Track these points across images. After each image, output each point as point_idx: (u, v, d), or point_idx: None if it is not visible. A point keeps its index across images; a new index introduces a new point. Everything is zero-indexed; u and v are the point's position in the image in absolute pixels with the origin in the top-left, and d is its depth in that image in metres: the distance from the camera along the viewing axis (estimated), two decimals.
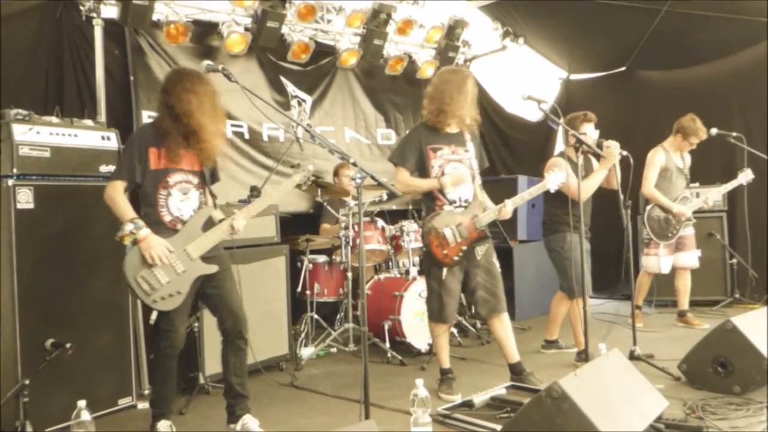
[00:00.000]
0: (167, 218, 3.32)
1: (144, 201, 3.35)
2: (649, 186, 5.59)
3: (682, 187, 5.65)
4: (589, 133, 4.68)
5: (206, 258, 3.36)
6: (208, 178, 3.53)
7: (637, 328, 4.51)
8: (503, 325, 4.12)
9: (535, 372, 4.15)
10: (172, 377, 3.43)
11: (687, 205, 5.56)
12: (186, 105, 3.27)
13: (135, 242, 3.17)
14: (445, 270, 4.00)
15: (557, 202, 4.60)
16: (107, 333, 3.85)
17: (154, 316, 3.43)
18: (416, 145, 4.05)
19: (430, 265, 4.09)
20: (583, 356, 4.40)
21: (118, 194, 3.24)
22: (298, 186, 3.75)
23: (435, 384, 4.11)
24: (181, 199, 3.36)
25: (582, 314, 4.19)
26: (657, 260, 5.62)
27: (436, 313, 4.09)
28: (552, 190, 4.10)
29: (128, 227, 3.16)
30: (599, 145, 4.44)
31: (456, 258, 3.99)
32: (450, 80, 4.03)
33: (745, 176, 5.55)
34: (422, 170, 4.07)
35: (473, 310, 6.63)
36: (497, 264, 4.17)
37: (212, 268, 3.37)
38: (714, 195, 5.62)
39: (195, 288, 3.36)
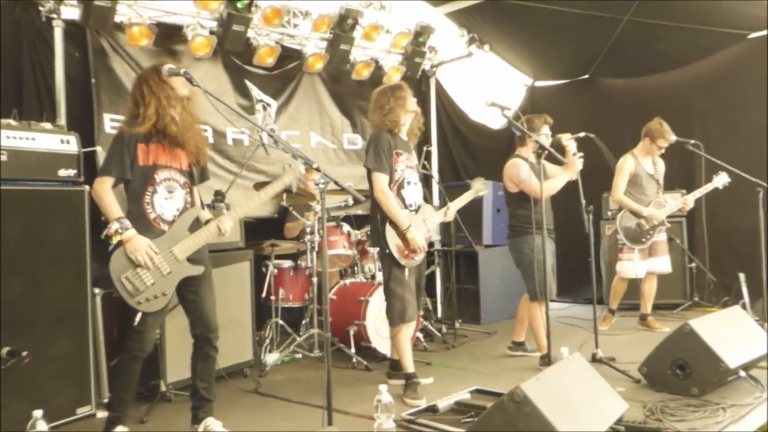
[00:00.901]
0: (152, 216, 3.30)
1: (130, 197, 3.31)
2: (617, 193, 5.67)
3: (654, 192, 5.70)
4: (546, 134, 4.83)
5: (191, 260, 3.35)
6: (196, 177, 3.52)
7: (603, 332, 4.58)
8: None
9: (501, 375, 4.21)
10: (134, 381, 3.39)
11: (660, 210, 5.62)
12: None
13: (120, 242, 3.15)
14: (407, 270, 4.13)
15: (521, 204, 4.67)
16: (66, 340, 3.76)
17: (138, 317, 3.36)
18: (388, 150, 4.13)
19: (391, 267, 4.15)
20: (546, 360, 4.48)
21: (105, 191, 3.21)
22: (289, 190, 3.71)
23: (400, 389, 4.12)
24: (165, 197, 3.34)
25: (544, 318, 4.24)
26: (632, 265, 5.66)
27: (400, 314, 4.14)
28: (482, 195, 4.48)
29: (114, 226, 3.13)
30: (557, 144, 4.56)
31: (417, 259, 4.17)
32: (385, 93, 4.28)
33: (721, 180, 5.58)
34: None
35: (439, 315, 6.71)
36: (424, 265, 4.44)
37: (198, 269, 3.37)
38: (691, 198, 5.64)
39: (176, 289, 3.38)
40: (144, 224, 3.25)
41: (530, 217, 4.49)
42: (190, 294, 3.43)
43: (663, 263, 5.76)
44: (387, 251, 4.12)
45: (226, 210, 3.58)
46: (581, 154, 4.58)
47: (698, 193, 5.64)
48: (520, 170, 4.67)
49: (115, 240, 3.14)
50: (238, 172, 5.73)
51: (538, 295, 4.60)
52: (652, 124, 5.68)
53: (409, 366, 4.18)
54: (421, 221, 4.19)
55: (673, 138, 5.57)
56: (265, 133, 5.73)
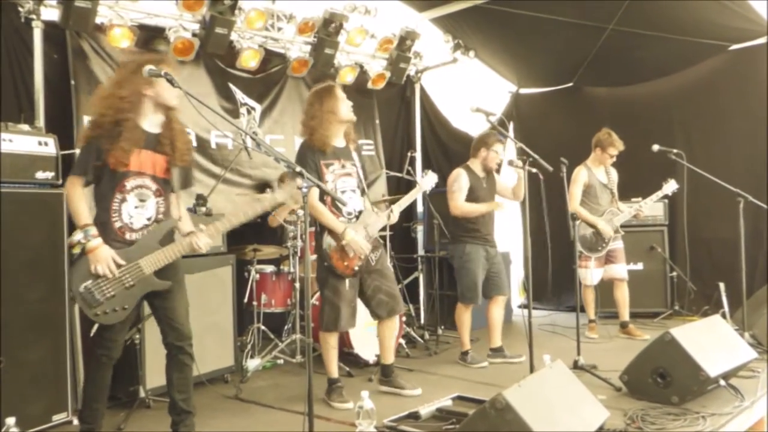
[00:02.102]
0: (117, 224, 3.16)
1: (97, 200, 3.20)
2: (573, 203, 5.77)
3: (608, 202, 5.85)
4: (499, 152, 5.14)
5: (160, 273, 3.21)
6: (178, 183, 3.36)
7: (584, 339, 4.60)
8: (392, 329, 4.38)
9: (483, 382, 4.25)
10: (105, 389, 3.31)
11: (614, 218, 5.76)
12: (164, 89, 3.16)
13: (83, 252, 3.05)
14: (347, 281, 4.10)
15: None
16: (42, 346, 3.69)
17: (95, 328, 3.28)
18: (313, 162, 4.04)
19: (327, 276, 4.13)
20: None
21: (75, 193, 3.11)
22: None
23: (383, 397, 4.16)
24: (135, 205, 3.19)
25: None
26: (586, 272, 5.82)
27: (330, 322, 4.13)
28: (427, 191, 4.53)
29: (78, 236, 3.06)
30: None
31: (356, 268, 4.11)
32: (313, 100, 4.14)
33: (670, 186, 5.76)
34: None
35: (422, 321, 6.70)
36: (390, 267, 4.43)
37: (164, 285, 3.23)
38: (645, 206, 5.79)
39: (142, 301, 3.27)
40: (108, 232, 3.12)
41: (465, 226, 5.05)
42: (160, 301, 3.30)
43: (619, 270, 5.87)
44: (325, 263, 4.11)
45: (206, 216, 3.50)
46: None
47: (650, 200, 5.80)
48: (455, 181, 5.09)
49: (77, 250, 3.08)
50: (221, 175, 5.68)
51: (465, 298, 5.10)
52: (600, 134, 5.85)
53: (334, 372, 4.25)
54: (362, 227, 4.13)
55: (620, 146, 5.74)
56: (249, 136, 5.68)
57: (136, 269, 3.14)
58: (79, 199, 3.11)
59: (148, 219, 3.24)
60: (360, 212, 4.18)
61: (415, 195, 4.60)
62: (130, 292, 3.13)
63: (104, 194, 3.16)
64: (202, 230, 3.29)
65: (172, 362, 3.35)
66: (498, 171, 5.05)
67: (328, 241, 4.08)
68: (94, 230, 3.07)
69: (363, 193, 4.23)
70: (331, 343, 4.20)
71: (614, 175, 5.93)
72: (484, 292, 5.17)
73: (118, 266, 3.09)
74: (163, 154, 3.26)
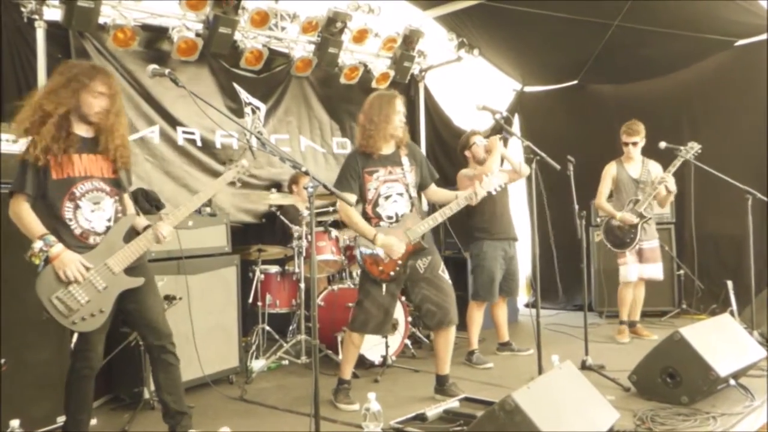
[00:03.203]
0: (77, 231, 3.04)
1: (49, 214, 3.03)
2: (597, 198, 5.74)
3: (632, 194, 5.67)
4: (479, 143, 5.23)
5: (129, 269, 3.11)
6: (124, 183, 3.23)
7: (592, 339, 4.55)
8: (446, 340, 4.24)
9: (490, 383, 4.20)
10: (89, 400, 3.21)
11: (636, 206, 5.58)
12: (86, 105, 3.03)
13: (47, 260, 2.91)
14: (383, 286, 4.03)
15: (474, 211, 4.98)
16: (45, 348, 3.65)
17: (75, 338, 3.17)
18: (355, 171, 4.06)
19: (364, 280, 4.13)
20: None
21: (22, 209, 2.94)
22: (232, 183, 3.57)
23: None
24: (91, 209, 3.08)
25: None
26: (625, 268, 5.66)
27: (359, 323, 4.10)
28: (494, 192, 4.17)
29: (37, 245, 2.89)
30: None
31: (392, 273, 4.03)
32: (373, 104, 4.09)
33: (690, 149, 5.37)
34: (359, 193, 4.08)
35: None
36: (445, 276, 4.20)
37: (138, 281, 3.13)
38: (668, 178, 5.46)
39: (117, 304, 3.13)
40: (69, 240, 3.00)
41: (481, 225, 5.12)
42: (133, 304, 3.18)
43: (654, 270, 5.72)
44: (361, 267, 4.10)
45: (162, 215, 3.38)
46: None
47: (672, 169, 5.46)
48: (465, 180, 5.08)
49: (38, 260, 2.91)
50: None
51: (479, 296, 5.17)
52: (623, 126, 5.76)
53: (347, 374, 4.22)
54: (400, 231, 4.02)
55: (629, 136, 5.64)
56: (254, 136, 5.65)
57: (105, 270, 3.03)
58: (28, 212, 2.96)
59: (109, 220, 3.14)
60: (401, 216, 4.07)
61: (464, 203, 4.14)
62: (103, 295, 3.02)
63: (53, 205, 3.02)
64: (162, 219, 3.21)
65: (156, 364, 3.27)
66: (505, 144, 4.94)
67: (361, 245, 4.06)
68: (52, 238, 2.93)
69: (410, 197, 4.13)
70: (355, 343, 4.18)
71: (653, 168, 5.72)
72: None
73: (87, 269, 2.98)
74: (104, 156, 3.15)
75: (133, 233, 3.19)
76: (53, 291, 2.92)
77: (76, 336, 3.12)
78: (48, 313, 2.93)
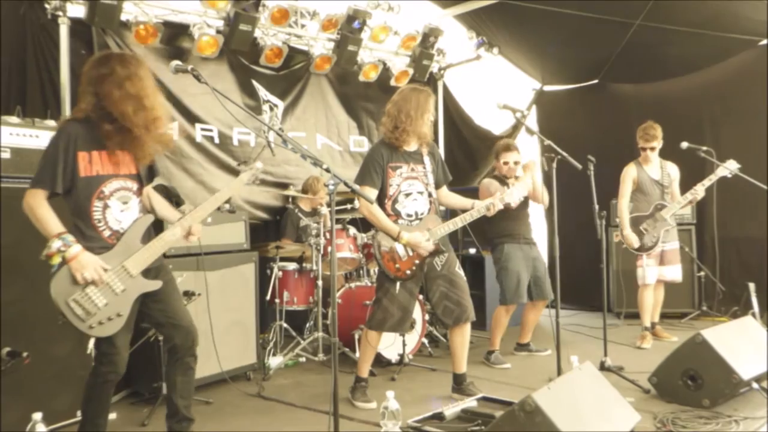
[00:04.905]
0: (106, 233, 2.91)
1: (76, 213, 2.91)
2: (619, 201, 5.65)
3: (659, 198, 5.59)
4: (510, 161, 5.17)
5: (147, 270, 3.00)
6: (144, 178, 3.15)
7: (611, 340, 4.51)
8: (462, 337, 4.21)
9: (508, 383, 4.19)
10: (108, 404, 3.11)
11: (662, 211, 5.49)
12: (120, 99, 2.86)
13: (64, 261, 2.77)
14: (398, 284, 4.02)
15: (494, 216, 4.71)
16: (67, 342, 3.69)
17: (91, 344, 3.08)
18: (380, 165, 4.03)
19: (382, 278, 4.11)
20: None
21: (39, 205, 2.80)
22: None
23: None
24: (121, 209, 2.96)
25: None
26: (643, 270, 5.59)
27: (377, 322, 4.09)
28: (513, 205, 4.21)
29: (55, 244, 2.75)
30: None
31: (409, 272, 4.02)
32: (409, 98, 4.03)
33: (728, 167, 5.31)
34: (381, 187, 4.05)
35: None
36: (461, 273, 4.20)
37: (156, 284, 3.01)
38: (701, 188, 5.39)
39: (137, 306, 3.01)
40: (94, 243, 2.87)
41: (501, 229, 5.12)
42: (157, 304, 3.07)
43: (674, 272, 5.65)
44: (378, 265, 4.08)
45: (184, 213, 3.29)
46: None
47: (707, 181, 5.40)
48: (485, 190, 5.11)
49: (56, 260, 2.77)
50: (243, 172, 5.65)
51: (506, 300, 5.12)
52: (639, 127, 5.67)
53: (365, 372, 4.21)
54: (423, 230, 4.01)
55: (644, 141, 5.56)
56: (273, 133, 5.66)
57: (123, 272, 2.91)
58: (45, 207, 2.81)
59: (135, 221, 3.04)
60: (422, 215, 4.07)
61: (495, 208, 4.12)
62: (121, 298, 2.90)
63: (80, 204, 2.90)
64: (179, 222, 3.09)
65: (177, 365, 3.17)
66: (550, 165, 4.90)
67: (379, 243, 4.03)
68: (70, 237, 2.79)
69: (430, 196, 4.12)
70: (372, 342, 4.17)
71: (672, 170, 5.67)
72: (527, 294, 5.15)
73: (104, 271, 2.86)
74: (127, 151, 3.02)
75: (150, 234, 3.08)
76: (70, 294, 2.80)
77: (92, 342, 3.02)
78: (64, 317, 2.81)
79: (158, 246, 3.02)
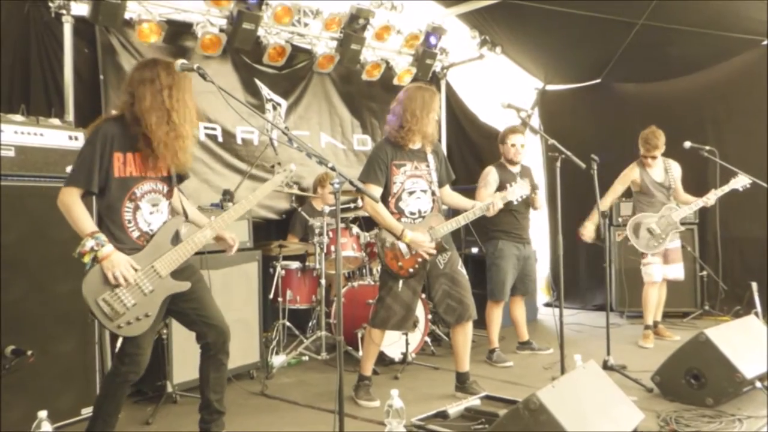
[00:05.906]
0: (135, 234, 2.96)
1: (106, 213, 2.94)
2: (606, 195, 5.56)
3: (663, 199, 5.57)
4: (517, 143, 5.16)
5: (176, 272, 3.02)
6: (175, 181, 3.18)
7: (614, 339, 4.51)
8: (465, 335, 4.22)
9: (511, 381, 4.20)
10: (122, 403, 3.12)
11: (673, 214, 5.47)
12: (149, 108, 2.90)
13: (95, 260, 2.80)
14: (400, 282, 4.03)
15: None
16: (71, 340, 3.70)
17: (120, 342, 3.07)
18: (384, 163, 4.03)
19: (385, 276, 4.12)
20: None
21: (74, 203, 2.84)
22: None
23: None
24: (150, 211, 3.01)
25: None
26: (650, 268, 5.57)
27: (380, 320, 4.10)
28: (515, 202, 4.30)
29: (89, 243, 2.78)
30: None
31: (411, 270, 4.02)
32: (415, 97, 4.02)
33: (739, 181, 5.35)
34: (385, 185, 4.05)
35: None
36: (464, 271, 4.22)
37: (184, 286, 3.04)
38: (713, 197, 5.43)
39: (165, 307, 3.04)
40: (124, 244, 2.91)
41: (499, 224, 5.08)
42: (188, 303, 3.11)
43: (676, 270, 5.64)
44: (382, 265, 4.09)
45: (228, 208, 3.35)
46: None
47: (720, 191, 5.42)
48: (483, 177, 5.20)
49: (88, 258, 2.80)
50: (247, 171, 5.66)
51: (494, 295, 5.17)
52: (642, 134, 5.62)
53: (368, 370, 4.23)
54: (425, 228, 4.02)
55: (645, 149, 5.54)
56: (277, 131, 5.65)
57: (152, 273, 2.93)
58: (79, 205, 2.85)
59: (165, 223, 3.08)
60: (425, 213, 4.08)
61: (499, 205, 4.18)
62: (150, 298, 2.92)
63: (111, 205, 2.93)
64: (210, 222, 3.15)
65: (210, 361, 3.21)
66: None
67: (382, 240, 4.04)
68: (103, 237, 2.83)
69: (433, 195, 4.13)
70: (375, 340, 4.18)
71: (675, 170, 5.64)
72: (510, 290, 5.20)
73: (135, 271, 2.89)
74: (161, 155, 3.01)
75: (179, 235, 3.11)
76: (100, 293, 2.81)
77: (120, 341, 3.03)
78: (94, 315, 2.83)
79: (188, 247, 3.05)
